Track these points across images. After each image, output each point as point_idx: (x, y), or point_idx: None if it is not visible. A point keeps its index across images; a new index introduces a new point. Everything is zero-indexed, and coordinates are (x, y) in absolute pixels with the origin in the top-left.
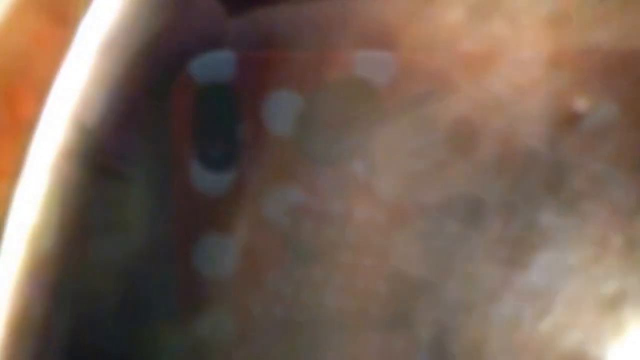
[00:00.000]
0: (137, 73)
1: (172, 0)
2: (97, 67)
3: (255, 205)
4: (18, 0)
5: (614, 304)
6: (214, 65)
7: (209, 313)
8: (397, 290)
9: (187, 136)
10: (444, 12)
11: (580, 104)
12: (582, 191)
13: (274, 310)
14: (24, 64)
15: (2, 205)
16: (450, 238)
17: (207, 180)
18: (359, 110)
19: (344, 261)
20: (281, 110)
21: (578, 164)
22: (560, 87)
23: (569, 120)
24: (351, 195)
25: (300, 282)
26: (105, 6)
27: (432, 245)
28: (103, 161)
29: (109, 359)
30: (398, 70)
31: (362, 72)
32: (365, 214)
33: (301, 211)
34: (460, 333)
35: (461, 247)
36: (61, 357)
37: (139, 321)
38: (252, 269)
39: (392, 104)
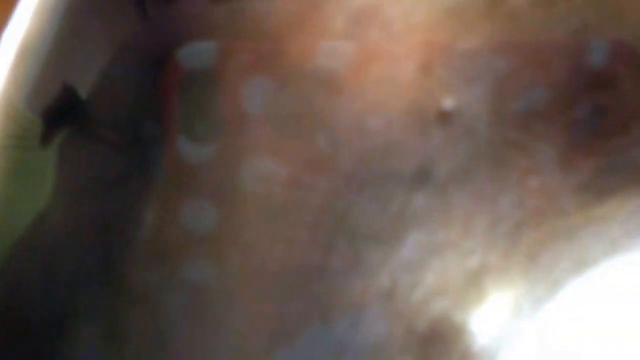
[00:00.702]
0: (127, 56)
1: None
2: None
3: (233, 174)
4: None
5: (476, 276)
6: (199, 53)
7: (195, 263)
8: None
9: (175, 114)
10: (327, 19)
11: (448, 103)
12: (450, 179)
13: (251, 261)
14: None
15: None
16: (337, 217)
17: (191, 152)
18: (320, 94)
19: (309, 221)
20: (256, 92)
21: (446, 155)
22: (430, 88)
23: (438, 117)
24: (316, 166)
25: (272, 238)
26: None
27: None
28: (95, 129)
29: (33, 326)
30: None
31: (321, 61)
32: (327, 182)
33: (273, 179)
34: (342, 300)
35: (348, 225)
36: None
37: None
38: (231, 227)
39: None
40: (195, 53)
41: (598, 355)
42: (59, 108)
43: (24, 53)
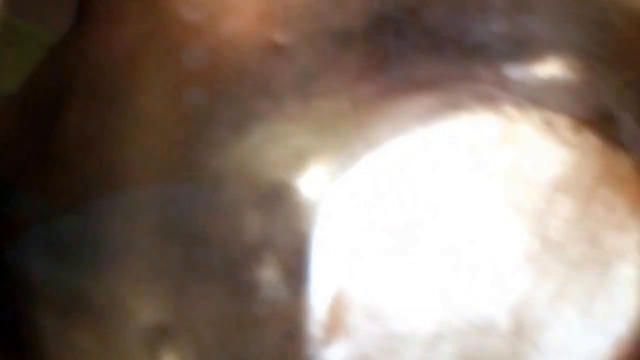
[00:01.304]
0: None
1: None
2: None
3: None
4: None
5: (299, 152)
6: None
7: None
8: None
9: None
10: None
11: (280, 36)
12: (286, 91)
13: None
14: None
15: None
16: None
17: None
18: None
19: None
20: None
21: (282, 73)
22: (267, 28)
23: (273, 48)
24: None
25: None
26: None
27: None
28: None
29: None
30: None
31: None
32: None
33: None
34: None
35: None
36: None
37: None
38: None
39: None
40: None
41: (392, 202)
42: None
43: None
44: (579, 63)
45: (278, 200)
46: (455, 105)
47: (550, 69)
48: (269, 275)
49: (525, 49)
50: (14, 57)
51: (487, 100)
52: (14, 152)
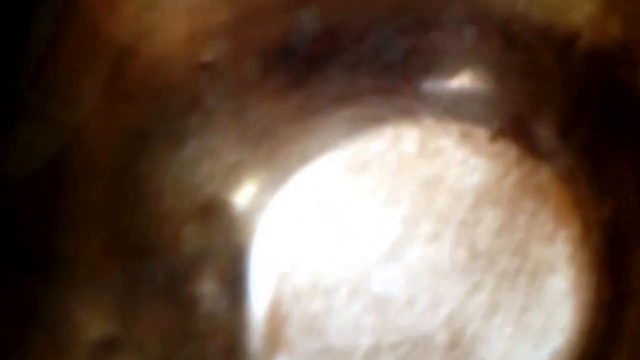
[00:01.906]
0: None
1: None
2: None
3: None
4: None
5: (235, 168)
6: None
7: None
8: None
9: None
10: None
11: (207, 57)
12: (218, 105)
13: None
14: None
15: None
16: None
17: None
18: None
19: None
20: None
21: (210, 90)
22: (195, 48)
23: (201, 66)
24: None
25: None
26: None
27: None
28: None
29: None
30: None
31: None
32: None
33: None
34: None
35: None
36: None
37: None
38: None
39: None
40: None
41: (323, 215)
42: None
43: None
44: (490, 76)
45: (214, 213)
46: (378, 120)
47: (464, 82)
48: (209, 288)
49: (440, 63)
50: (39, 136)
51: (408, 114)
52: None
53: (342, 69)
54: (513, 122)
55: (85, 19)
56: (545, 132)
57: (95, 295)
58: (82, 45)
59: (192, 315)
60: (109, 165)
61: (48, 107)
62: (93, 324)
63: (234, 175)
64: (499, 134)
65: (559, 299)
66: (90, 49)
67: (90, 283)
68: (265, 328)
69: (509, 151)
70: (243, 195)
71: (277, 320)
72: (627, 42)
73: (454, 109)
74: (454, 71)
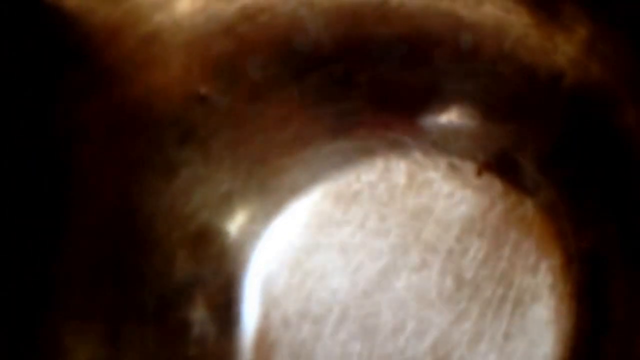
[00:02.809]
0: None
1: None
2: None
3: None
4: None
5: (227, 197)
6: None
7: None
8: None
9: None
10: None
11: (203, 90)
12: (210, 136)
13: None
14: None
15: None
16: None
17: None
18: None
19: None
20: None
21: (204, 121)
22: (193, 80)
23: (197, 97)
24: None
25: None
26: None
27: None
28: None
29: None
30: None
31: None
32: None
33: None
34: None
35: None
36: None
37: None
38: None
39: None
40: None
41: (313, 245)
42: None
43: None
44: (476, 112)
45: (206, 241)
46: (368, 152)
47: (452, 117)
48: (199, 315)
49: (430, 100)
50: None
51: (398, 147)
52: None
53: (336, 101)
54: (498, 157)
55: (85, 50)
56: (529, 167)
57: (86, 320)
58: (80, 74)
59: (182, 341)
60: (102, 193)
61: None
62: (83, 348)
63: (226, 203)
64: (484, 168)
65: (541, 327)
66: (89, 79)
67: (81, 308)
68: (253, 354)
69: (494, 184)
70: (234, 224)
71: (265, 347)
72: (606, 82)
73: (442, 143)
74: (442, 107)
